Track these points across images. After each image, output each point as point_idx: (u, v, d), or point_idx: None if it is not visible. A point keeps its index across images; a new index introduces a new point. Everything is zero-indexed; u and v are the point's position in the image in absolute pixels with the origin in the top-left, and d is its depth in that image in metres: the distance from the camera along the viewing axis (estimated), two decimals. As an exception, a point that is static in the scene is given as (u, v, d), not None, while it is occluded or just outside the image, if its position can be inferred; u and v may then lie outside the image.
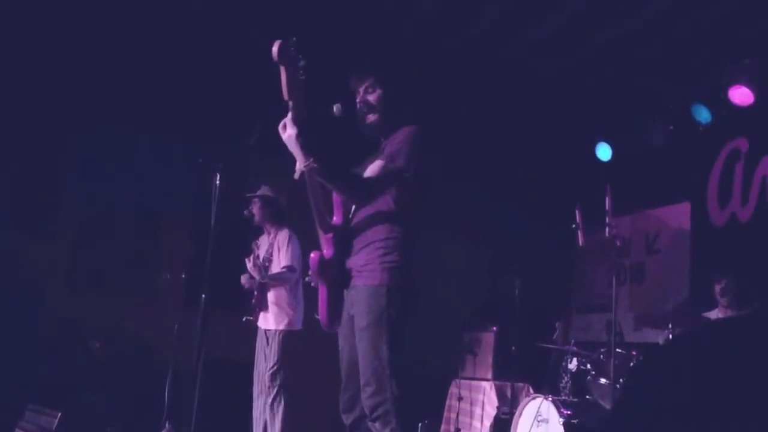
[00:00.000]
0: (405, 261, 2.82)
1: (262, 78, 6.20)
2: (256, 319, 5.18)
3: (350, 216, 2.95)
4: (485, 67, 6.33)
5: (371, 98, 2.98)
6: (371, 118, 2.99)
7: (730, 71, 5.87)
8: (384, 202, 2.87)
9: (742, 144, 6.21)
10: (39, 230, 6.16)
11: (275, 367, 4.95)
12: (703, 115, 6.32)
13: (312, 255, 2.90)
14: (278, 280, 5.05)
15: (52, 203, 6.38)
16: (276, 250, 5.16)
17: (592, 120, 6.99)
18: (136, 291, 6.28)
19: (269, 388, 4.93)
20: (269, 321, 5.10)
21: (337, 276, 2.88)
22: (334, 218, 2.96)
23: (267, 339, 5.08)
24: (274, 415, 4.90)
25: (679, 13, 5.46)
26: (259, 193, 5.25)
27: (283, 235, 5.16)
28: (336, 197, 2.97)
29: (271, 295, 5.10)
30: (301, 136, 2.61)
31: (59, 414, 4.01)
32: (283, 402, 4.90)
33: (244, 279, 5.18)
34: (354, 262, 2.86)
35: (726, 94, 5.93)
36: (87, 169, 6.32)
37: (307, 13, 5.51)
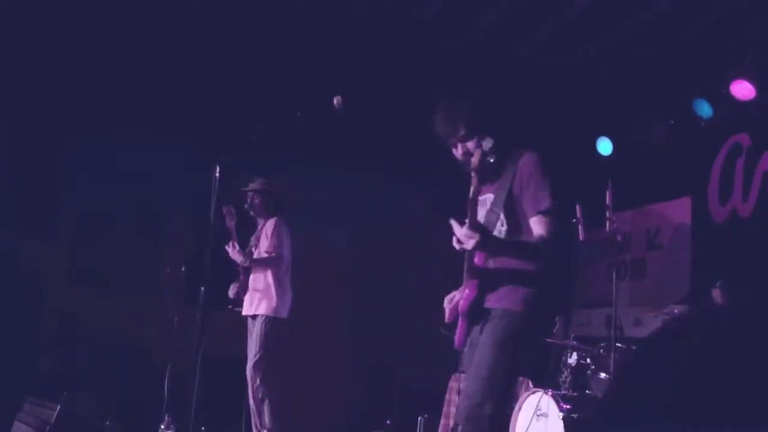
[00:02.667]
0: (545, 292, 2.87)
1: (262, 75, 6.20)
2: (242, 308, 5.15)
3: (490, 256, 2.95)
4: (487, 65, 6.31)
5: (485, 145, 2.95)
6: (489, 163, 2.95)
7: (732, 66, 5.85)
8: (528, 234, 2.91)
9: (744, 139, 6.19)
10: (39, 228, 6.16)
11: (258, 356, 4.89)
12: (704, 109, 6.29)
13: (462, 302, 2.91)
14: (261, 263, 5.02)
15: (52, 201, 6.38)
16: (264, 237, 5.14)
17: (593, 115, 6.97)
18: (135, 287, 6.28)
19: (252, 378, 4.87)
20: (252, 306, 5.05)
21: (478, 315, 2.90)
22: (476, 259, 2.94)
23: (251, 326, 5.05)
24: (261, 407, 4.84)
25: (681, 8, 5.44)
26: (256, 186, 5.24)
27: (271, 223, 5.13)
28: None
29: (256, 282, 5.06)
30: (486, 240, 2.70)
31: (58, 407, 4.01)
32: (269, 394, 4.83)
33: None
34: (493, 302, 2.88)
35: (728, 89, 5.90)
36: (87, 166, 6.31)
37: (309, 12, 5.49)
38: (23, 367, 5.58)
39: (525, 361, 2.86)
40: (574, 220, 5.02)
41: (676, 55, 5.99)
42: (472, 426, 2.70)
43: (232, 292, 5.25)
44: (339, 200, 6.62)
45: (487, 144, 2.95)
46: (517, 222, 2.91)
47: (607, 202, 4.71)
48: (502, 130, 3.02)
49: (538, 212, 2.84)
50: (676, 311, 4.95)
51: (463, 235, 2.69)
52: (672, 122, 6.55)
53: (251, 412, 4.99)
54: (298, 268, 5.24)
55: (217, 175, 3.79)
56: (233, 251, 4.95)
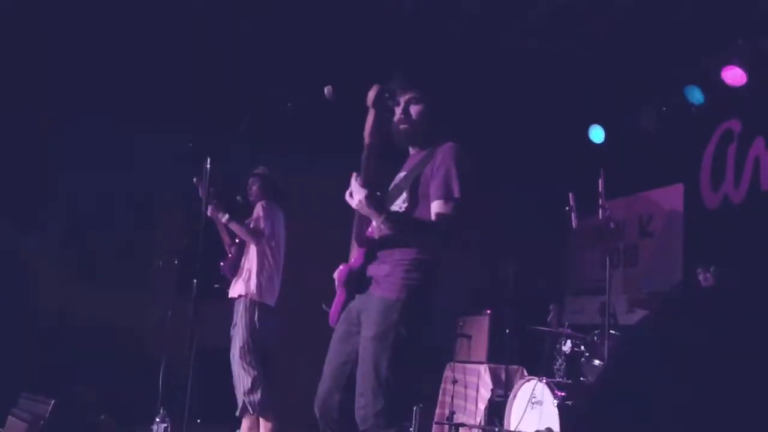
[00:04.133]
0: (426, 280, 2.81)
1: (252, 67, 6.18)
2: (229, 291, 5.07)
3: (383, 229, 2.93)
4: (478, 50, 6.29)
5: (413, 111, 2.96)
6: (406, 128, 2.97)
7: (723, 52, 5.85)
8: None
9: (735, 125, 6.20)
10: (30, 220, 6.14)
11: (242, 344, 4.75)
12: (695, 96, 6.30)
13: (341, 267, 2.92)
14: (239, 230, 4.90)
15: (43, 193, 6.35)
16: (252, 218, 5.07)
17: (585, 102, 6.97)
18: (128, 279, 6.27)
19: (239, 365, 4.75)
20: (237, 288, 4.93)
21: (358, 284, 2.89)
22: (369, 230, 2.95)
23: (236, 309, 4.91)
24: (248, 394, 4.71)
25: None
26: (258, 171, 5.20)
27: (259, 206, 5.04)
28: None
29: (244, 263, 4.97)
30: (371, 198, 2.68)
31: (53, 401, 4.00)
32: (257, 381, 4.71)
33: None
34: (376, 270, 2.85)
35: (719, 75, 5.91)
36: (78, 158, 6.28)
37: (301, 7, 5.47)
38: (16, 362, 5.56)
39: (412, 347, 2.76)
40: (567, 208, 5.03)
41: (667, 41, 5.98)
42: (371, 423, 2.67)
43: (224, 267, 5.18)
44: (331, 190, 6.59)
45: (416, 110, 2.96)
46: (418, 203, 2.88)
47: (600, 190, 4.71)
48: (439, 117, 3.02)
49: (441, 198, 2.81)
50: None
51: (353, 188, 2.71)
52: (664, 109, 6.56)
53: (237, 398, 4.86)
54: (292, 259, 5.21)
55: (208, 166, 3.77)
56: (213, 210, 4.81)
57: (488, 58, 6.35)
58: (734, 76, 5.84)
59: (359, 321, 2.83)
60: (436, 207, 2.81)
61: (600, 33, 6.02)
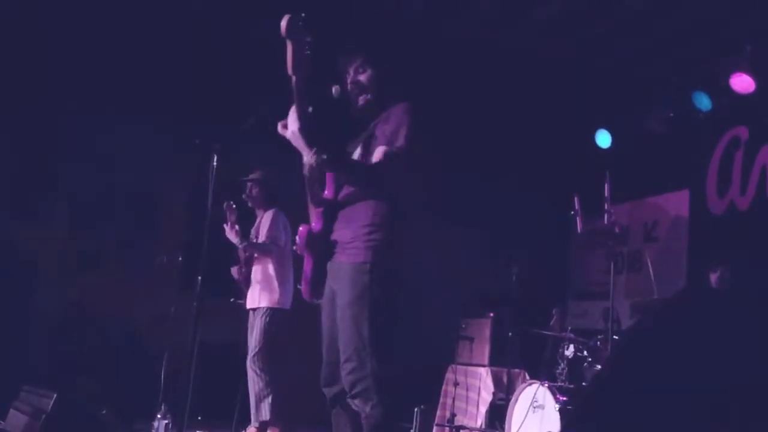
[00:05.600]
0: (390, 240, 2.81)
1: (258, 61, 6.16)
2: (245, 302, 5.16)
3: (340, 190, 2.94)
4: (484, 52, 6.28)
5: (362, 78, 2.97)
6: (363, 98, 2.97)
7: (731, 58, 5.83)
8: None
9: (743, 132, 6.19)
10: (33, 214, 6.14)
11: (257, 349, 4.90)
12: (703, 102, 6.28)
13: (300, 228, 2.91)
14: (258, 249, 5.03)
15: (46, 186, 6.36)
16: (262, 228, 5.14)
17: (593, 106, 6.96)
18: (131, 274, 6.27)
19: (251, 370, 4.89)
20: (254, 299, 5.06)
21: (324, 249, 2.89)
22: (326, 192, 2.95)
23: (252, 319, 5.06)
24: (260, 401, 4.86)
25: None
26: (254, 176, 5.24)
27: (269, 214, 5.15)
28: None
29: (257, 274, 5.08)
30: (304, 130, 2.65)
31: (55, 395, 3.99)
32: (268, 387, 4.84)
33: (234, 271, 5.20)
34: (340, 236, 2.86)
35: (727, 82, 5.89)
36: (82, 152, 6.29)
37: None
38: (18, 355, 5.57)
39: (388, 306, 2.77)
40: (572, 212, 5.02)
41: (675, 48, 5.97)
42: (360, 387, 2.69)
43: (234, 272, 5.25)
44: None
45: (365, 77, 2.96)
46: (368, 159, 2.89)
47: (606, 194, 4.70)
48: (390, 78, 3.01)
49: (385, 144, 2.81)
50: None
51: (288, 120, 2.69)
52: (671, 115, 6.54)
53: (250, 404, 4.98)
54: (297, 259, 5.22)
55: (215, 164, 3.78)
56: (230, 231, 4.91)
57: (495, 60, 6.35)
58: (742, 83, 5.82)
59: (335, 291, 2.85)
60: (378, 153, 2.82)
61: (608, 38, 6.02)
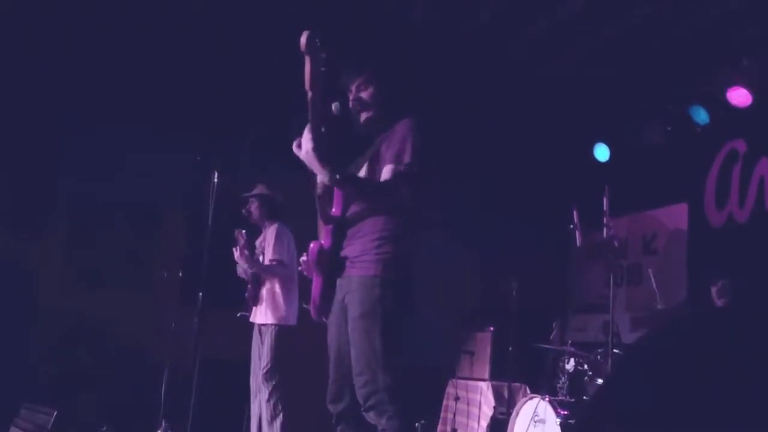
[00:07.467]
0: (400, 253, 2.83)
1: (260, 76, 6.19)
2: (250, 314, 5.17)
3: (348, 207, 2.95)
4: (481, 66, 6.32)
5: (364, 95, 2.99)
6: (366, 115, 3.00)
7: (728, 72, 5.87)
8: None
9: (740, 145, 6.21)
10: (34, 228, 6.15)
11: (269, 366, 4.91)
12: (701, 116, 6.32)
13: (311, 245, 2.91)
14: (266, 271, 5.04)
15: (47, 200, 6.36)
16: (267, 245, 5.15)
17: (591, 120, 6.99)
18: (132, 289, 6.26)
19: (264, 388, 4.91)
20: (262, 315, 5.06)
21: (333, 266, 2.90)
22: (333, 209, 2.96)
23: (260, 335, 5.07)
24: (272, 415, 4.86)
25: (677, 12, 5.46)
26: (255, 191, 5.25)
27: (272, 230, 5.15)
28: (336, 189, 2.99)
29: (264, 290, 5.09)
30: (318, 150, 2.66)
31: (55, 412, 3.99)
32: (280, 402, 4.87)
33: (239, 270, 5.18)
34: (349, 251, 2.87)
35: (724, 95, 5.93)
36: (83, 166, 6.29)
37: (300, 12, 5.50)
38: (18, 372, 5.55)
39: (400, 319, 2.77)
40: (571, 226, 5.03)
41: (673, 61, 6.01)
42: (374, 400, 2.68)
43: (240, 273, 5.25)
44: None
45: (367, 93, 2.98)
46: (375, 174, 2.90)
47: (604, 208, 4.72)
48: (393, 94, 3.03)
49: (392, 162, 2.82)
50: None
51: (303, 139, 2.70)
52: (669, 128, 6.57)
53: (254, 414, 4.97)
54: (302, 276, 5.22)
55: (215, 180, 3.79)
56: (240, 257, 4.93)
57: (494, 74, 6.39)
58: (739, 96, 5.86)
59: (345, 306, 2.85)
60: (386, 171, 2.84)
61: (606, 52, 6.05)
